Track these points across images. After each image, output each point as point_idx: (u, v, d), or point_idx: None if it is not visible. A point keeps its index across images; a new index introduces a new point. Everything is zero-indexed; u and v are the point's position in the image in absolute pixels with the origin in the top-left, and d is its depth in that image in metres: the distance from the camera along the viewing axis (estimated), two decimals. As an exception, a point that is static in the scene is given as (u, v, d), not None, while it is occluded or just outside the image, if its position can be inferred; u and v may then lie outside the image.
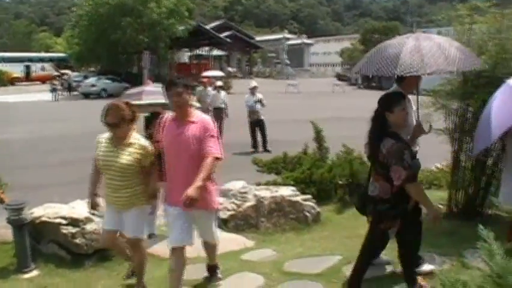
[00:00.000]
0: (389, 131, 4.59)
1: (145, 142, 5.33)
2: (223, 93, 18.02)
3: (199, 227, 5.35)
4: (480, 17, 7.35)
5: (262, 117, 16.10)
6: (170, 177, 5.03)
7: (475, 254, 5.53)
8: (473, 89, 6.81)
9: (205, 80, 19.72)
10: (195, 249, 6.89)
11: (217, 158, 4.85)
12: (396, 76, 5.43)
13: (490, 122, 4.88)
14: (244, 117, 16.59)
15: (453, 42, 5.50)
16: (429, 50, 4.98)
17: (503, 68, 6.67)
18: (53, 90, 42.18)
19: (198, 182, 4.60)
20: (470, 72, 6.82)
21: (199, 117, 4.96)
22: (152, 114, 7.40)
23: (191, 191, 4.51)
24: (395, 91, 5.28)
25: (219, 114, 17.13)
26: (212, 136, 4.87)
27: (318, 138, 10.08)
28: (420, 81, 5.66)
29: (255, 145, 16.13)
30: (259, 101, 16.10)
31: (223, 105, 17.45)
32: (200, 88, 18.17)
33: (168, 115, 5.07)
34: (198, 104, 17.61)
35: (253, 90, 16.15)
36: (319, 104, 34.76)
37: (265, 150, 15.63)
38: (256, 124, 16.10)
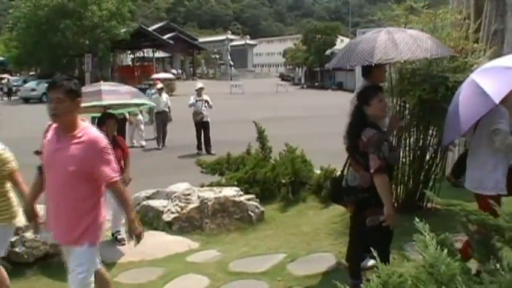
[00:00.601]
0: (369, 122, 4.66)
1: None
2: (165, 95, 17.93)
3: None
4: (415, 16, 7.53)
5: (207, 119, 15.93)
6: (47, 198, 4.26)
7: (414, 247, 5.67)
8: (410, 87, 6.96)
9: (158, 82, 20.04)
10: (139, 253, 6.86)
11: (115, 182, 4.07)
12: (362, 72, 5.64)
13: (456, 117, 5.00)
14: (188, 119, 16.47)
15: (424, 33, 5.76)
16: (403, 40, 5.15)
17: (437, 66, 6.86)
18: None
19: (130, 216, 4.18)
20: (406, 70, 7.00)
21: (88, 134, 4.01)
22: (104, 115, 7.23)
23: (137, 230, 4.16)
24: (369, 85, 5.35)
25: (163, 117, 17.43)
26: (106, 158, 4.01)
27: (261, 138, 10.12)
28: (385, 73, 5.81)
29: (199, 147, 15.99)
30: (206, 102, 15.95)
31: (166, 109, 17.52)
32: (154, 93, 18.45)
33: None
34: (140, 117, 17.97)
35: (199, 91, 15.96)
36: (263, 104, 34.94)
37: (208, 153, 15.39)
38: (201, 125, 15.92)
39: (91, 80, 46.03)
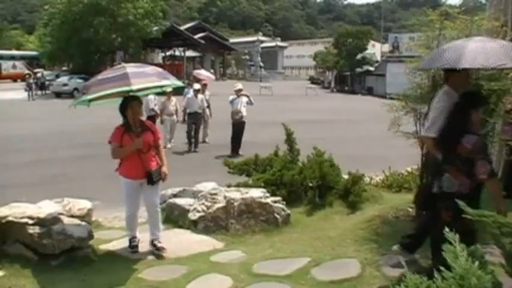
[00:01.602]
0: (470, 127, 4.64)
1: None
2: (200, 96, 17.30)
3: None
4: (450, 22, 7.43)
5: (245, 119, 15.89)
6: None
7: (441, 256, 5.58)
8: (442, 94, 6.87)
9: (205, 81, 19.32)
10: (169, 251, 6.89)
11: None
12: (444, 75, 5.70)
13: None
14: (217, 120, 16.49)
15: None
16: (493, 48, 5.08)
17: (472, 73, 6.75)
18: (29, 88, 40.65)
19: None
20: (440, 77, 6.90)
21: None
22: (126, 98, 6.69)
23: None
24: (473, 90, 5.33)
25: (196, 119, 16.87)
26: None
27: (290, 140, 10.08)
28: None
29: (236, 149, 15.83)
30: (248, 98, 15.88)
31: (200, 110, 17.02)
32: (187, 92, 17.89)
33: None
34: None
35: (238, 93, 15.83)
36: (292, 106, 34.89)
37: (236, 154, 15.31)
38: (239, 126, 15.91)
39: None
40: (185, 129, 17.00)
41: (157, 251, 6.78)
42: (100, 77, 6.72)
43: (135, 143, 6.57)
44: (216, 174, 10.49)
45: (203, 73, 28.55)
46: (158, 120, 16.71)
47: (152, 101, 17.02)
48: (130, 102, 6.63)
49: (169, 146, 16.95)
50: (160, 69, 7.27)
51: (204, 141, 17.86)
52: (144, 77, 6.59)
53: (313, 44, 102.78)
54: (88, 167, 13.88)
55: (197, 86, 17.69)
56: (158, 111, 17.17)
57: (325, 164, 9.20)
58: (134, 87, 6.27)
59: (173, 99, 17.44)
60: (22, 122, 24.66)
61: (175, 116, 17.50)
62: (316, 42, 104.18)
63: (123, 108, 6.66)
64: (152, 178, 6.65)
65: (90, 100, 6.71)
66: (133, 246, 6.93)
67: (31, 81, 41.04)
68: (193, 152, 16.66)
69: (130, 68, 6.65)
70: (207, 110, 17.98)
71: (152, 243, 6.89)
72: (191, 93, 17.34)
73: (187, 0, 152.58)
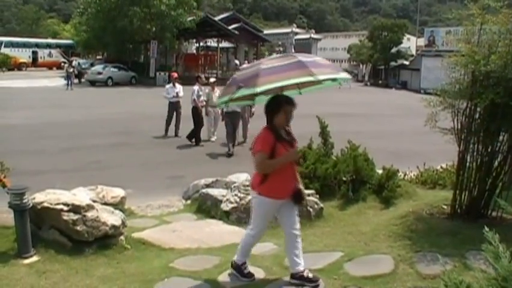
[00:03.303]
0: None
1: None
2: None
3: None
4: (491, 16, 7.26)
5: None
6: None
7: (477, 256, 5.51)
8: (482, 89, 6.74)
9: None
10: (196, 241, 6.92)
11: None
12: None
13: None
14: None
15: None
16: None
17: (513, 69, 6.61)
18: (68, 77, 40.22)
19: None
20: (480, 72, 6.77)
21: None
22: (274, 98, 5.37)
23: None
24: None
25: (233, 119, 15.29)
26: None
27: (324, 133, 10.02)
28: None
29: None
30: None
31: (238, 109, 15.27)
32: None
33: None
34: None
35: None
36: (325, 99, 34.63)
37: None
38: None
39: (156, 66, 47.18)
40: (225, 130, 15.41)
41: (311, 284, 5.35)
42: (263, 66, 5.16)
43: (290, 154, 5.36)
44: (249, 166, 10.49)
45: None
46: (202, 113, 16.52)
47: (195, 92, 16.53)
48: (284, 105, 5.30)
49: (213, 139, 16.91)
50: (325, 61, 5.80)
51: (244, 142, 16.47)
52: (320, 67, 5.26)
53: (347, 36, 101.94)
54: (122, 155, 14.05)
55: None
56: (203, 103, 16.49)
57: (359, 158, 9.14)
58: (320, 77, 5.19)
59: (218, 90, 15.66)
60: (60, 109, 25.04)
61: (218, 108, 16.23)
62: (350, 35, 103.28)
63: (273, 109, 5.27)
64: (302, 196, 5.48)
65: (255, 94, 5.44)
66: (248, 273, 5.64)
67: (71, 70, 41.31)
68: (231, 155, 14.77)
69: (301, 56, 5.43)
70: (248, 109, 16.41)
71: (298, 276, 5.40)
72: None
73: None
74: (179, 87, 17.71)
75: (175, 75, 18.74)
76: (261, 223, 5.58)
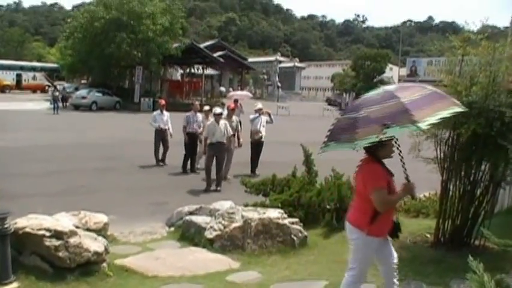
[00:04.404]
0: None
1: None
2: (223, 122, 13.77)
3: None
4: (472, 49, 7.40)
5: (263, 140, 15.61)
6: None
7: (461, 285, 5.52)
8: (464, 119, 6.82)
9: (232, 105, 16.21)
10: (179, 269, 6.85)
11: None
12: None
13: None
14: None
15: None
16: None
17: (494, 100, 6.72)
18: (54, 101, 39.66)
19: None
20: (462, 103, 6.85)
21: None
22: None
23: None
24: None
25: (218, 151, 13.55)
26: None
27: (308, 161, 10.04)
28: None
29: (254, 169, 15.50)
30: (268, 115, 15.85)
31: (223, 140, 13.63)
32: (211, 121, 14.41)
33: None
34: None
35: (259, 112, 15.71)
36: (309, 127, 34.85)
37: (254, 173, 15.10)
38: (257, 146, 15.61)
39: (140, 92, 47.22)
40: (204, 163, 14.25)
41: None
42: (402, 99, 4.33)
43: (409, 187, 4.80)
44: (233, 193, 10.47)
45: (238, 93, 27.28)
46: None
47: (191, 119, 15.87)
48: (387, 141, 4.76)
49: (198, 166, 16.25)
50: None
51: (225, 178, 14.37)
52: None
53: (331, 65, 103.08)
54: (106, 180, 13.93)
55: (218, 109, 14.42)
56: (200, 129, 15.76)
57: (343, 187, 9.15)
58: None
59: (211, 118, 14.54)
60: (46, 132, 24.85)
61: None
62: (334, 64, 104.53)
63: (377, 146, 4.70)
64: (400, 229, 5.06)
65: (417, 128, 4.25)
66: None
67: (56, 93, 41.17)
68: (215, 191, 13.07)
69: (421, 86, 4.77)
70: (233, 140, 15.09)
71: None
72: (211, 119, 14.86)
73: (207, 18, 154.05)
74: (167, 115, 17.25)
75: (163, 102, 18.16)
76: (366, 264, 5.10)
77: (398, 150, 4.85)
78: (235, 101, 18.61)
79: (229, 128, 13.93)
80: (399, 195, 4.85)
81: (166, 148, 17.05)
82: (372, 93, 4.72)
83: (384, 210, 4.71)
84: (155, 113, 17.81)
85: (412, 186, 4.77)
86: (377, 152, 4.83)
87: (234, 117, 15.48)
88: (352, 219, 4.96)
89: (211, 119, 14.42)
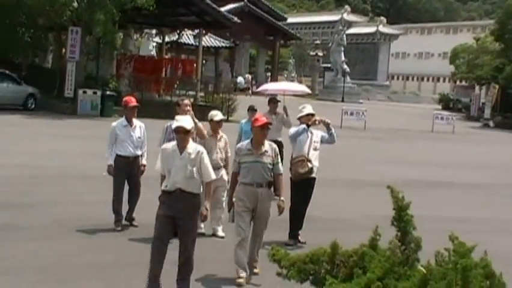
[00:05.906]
0: None
1: None
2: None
3: None
4: None
5: (314, 175, 14.86)
6: None
7: None
8: None
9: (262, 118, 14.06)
10: None
11: None
12: None
13: None
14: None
15: None
16: None
17: None
18: None
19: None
20: None
21: None
22: None
23: None
24: None
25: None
26: None
27: (401, 219, 10.02)
28: None
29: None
30: (327, 126, 15.07)
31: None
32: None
33: None
34: None
35: (305, 121, 14.64)
36: (404, 153, 34.88)
37: (296, 239, 14.83)
38: (304, 186, 14.83)
39: (77, 77, 45.68)
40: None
41: None
42: None
43: None
44: (256, 278, 10.47)
45: (279, 86, 27.00)
46: None
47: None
48: None
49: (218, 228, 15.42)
50: None
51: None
52: None
53: (450, 31, 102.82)
54: (1, 251, 13.89)
55: (220, 114, 15.57)
56: None
57: (474, 273, 9.10)
58: None
59: (224, 136, 15.42)
60: None
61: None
62: (457, 27, 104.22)
63: None
64: None
65: None
66: None
67: None
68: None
69: None
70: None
71: None
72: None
73: None
74: (139, 128, 15.85)
75: (133, 101, 16.23)
76: None
77: None
78: (272, 101, 18.53)
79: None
80: None
81: (136, 193, 16.02)
82: None
83: None
84: (117, 123, 16.03)
85: None
86: None
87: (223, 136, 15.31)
88: None
89: (199, 123, 14.44)
